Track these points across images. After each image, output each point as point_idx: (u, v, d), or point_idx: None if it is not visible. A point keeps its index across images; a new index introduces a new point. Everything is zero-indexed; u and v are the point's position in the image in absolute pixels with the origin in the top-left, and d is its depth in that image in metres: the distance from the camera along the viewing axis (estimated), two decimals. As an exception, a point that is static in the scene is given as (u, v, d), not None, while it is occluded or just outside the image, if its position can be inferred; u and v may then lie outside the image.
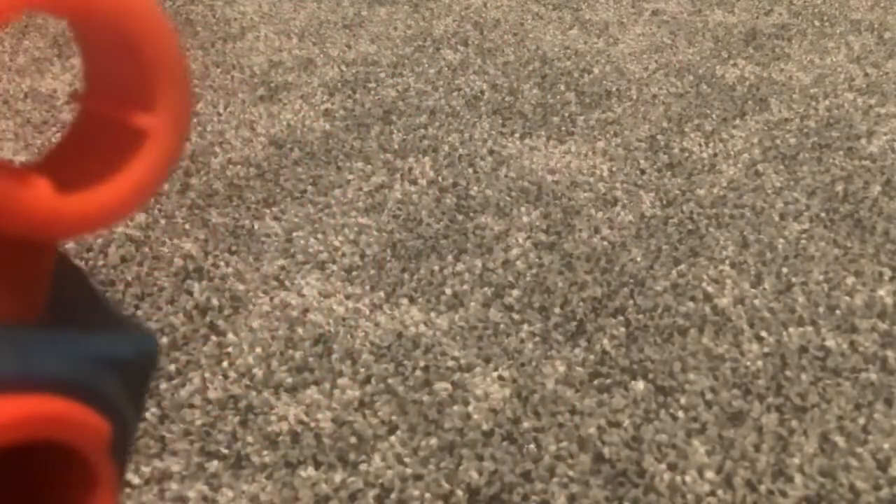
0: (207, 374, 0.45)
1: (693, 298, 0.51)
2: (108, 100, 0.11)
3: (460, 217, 0.59)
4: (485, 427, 0.42)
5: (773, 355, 0.46)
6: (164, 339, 0.48)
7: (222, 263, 0.55)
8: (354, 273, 0.53)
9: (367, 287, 0.52)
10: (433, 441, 0.41)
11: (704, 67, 0.81)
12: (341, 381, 0.44)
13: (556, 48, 0.86)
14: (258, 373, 0.44)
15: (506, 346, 0.47)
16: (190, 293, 0.51)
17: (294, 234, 0.57)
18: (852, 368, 0.46)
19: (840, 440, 0.41)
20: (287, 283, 0.53)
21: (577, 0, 0.98)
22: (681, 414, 0.43)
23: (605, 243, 0.56)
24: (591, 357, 0.47)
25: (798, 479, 0.39)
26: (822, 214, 0.59)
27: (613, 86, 0.78)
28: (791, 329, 0.48)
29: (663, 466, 0.40)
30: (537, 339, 0.48)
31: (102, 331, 0.14)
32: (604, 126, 0.71)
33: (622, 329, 0.48)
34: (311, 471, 0.39)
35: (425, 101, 0.75)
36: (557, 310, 0.50)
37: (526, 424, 0.42)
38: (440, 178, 0.63)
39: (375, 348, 0.46)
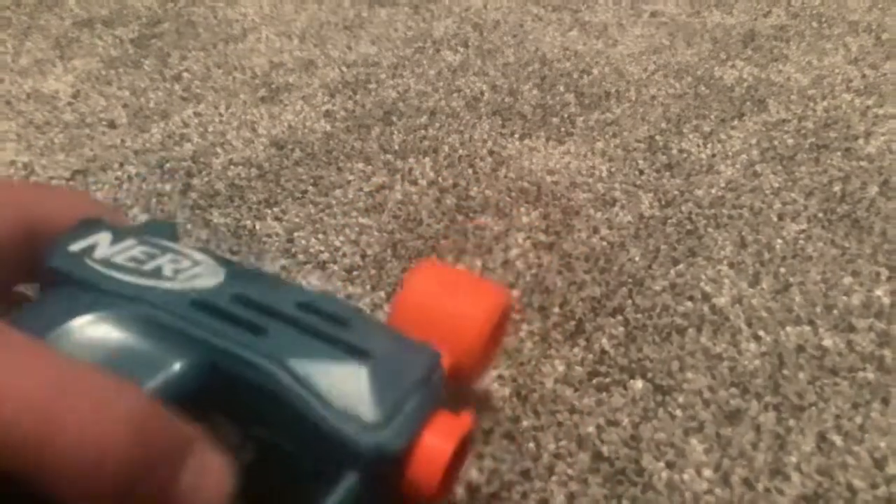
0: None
1: (691, 298, 0.51)
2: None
3: (460, 217, 0.59)
4: (484, 426, 0.42)
5: (771, 354, 0.47)
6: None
7: (224, 263, 0.55)
8: (355, 273, 0.54)
9: (368, 287, 0.53)
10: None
11: (703, 68, 0.82)
12: (342, 380, 0.44)
13: (555, 49, 0.86)
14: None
15: (505, 345, 0.47)
16: (192, 293, 0.51)
17: (295, 234, 0.58)
18: (849, 367, 0.46)
19: (837, 439, 0.42)
20: (288, 283, 0.53)
21: (577, 2, 0.99)
22: (679, 412, 0.43)
23: (604, 243, 0.56)
24: (590, 356, 0.47)
25: (795, 477, 0.40)
26: (820, 215, 0.59)
27: (612, 87, 0.78)
28: (788, 328, 0.49)
29: (661, 464, 0.40)
30: (536, 338, 0.48)
31: None
32: (603, 127, 0.71)
33: (621, 328, 0.49)
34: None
35: (425, 102, 0.76)
36: (556, 309, 0.50)
37: (525, 423, 0.43)
38: (440, 179, 0.64)
39: (376, 347, 0.47)
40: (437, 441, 0.31)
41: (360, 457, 0.29)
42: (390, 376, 0.31)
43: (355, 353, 0.31)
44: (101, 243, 0.33)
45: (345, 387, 0.30)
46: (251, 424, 0.30)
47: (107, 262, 0.32)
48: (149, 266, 0.32)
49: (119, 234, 0.34)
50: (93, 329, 0.29)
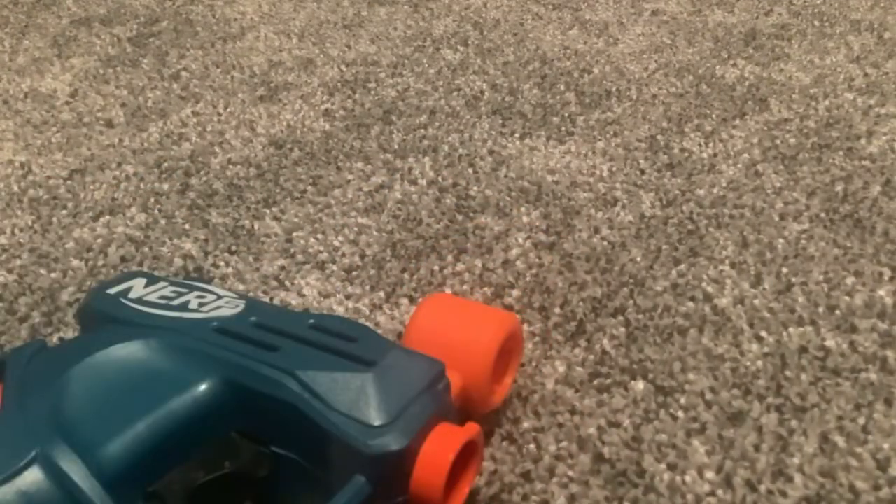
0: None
1: (693, 298, 0.51)
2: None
3: (460, 217, 0.59)
4: (485, 427, 0.42)
5: (773, 355, 0.46)
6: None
7: (222, 263, 0.55)
8: (354, 273, 0.53)
9: (367, 287, 0.52)
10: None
11: (704, 67, 0.81)
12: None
13: (555, 48, 0.86)
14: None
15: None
16: (190, 293, 0.51)
17: (294, 234, 0.57)
18: (852, 368, 0.46)
19: (840, 440, 0.41)
20: (287, 283, 0.53)
21: (577, 0, 0.98)
22: (681, 414, 0.43)
23: (605, 243, 0.56)
24: (591, 357, 0.47)
25: (798, 478, 0.39)
26: (822, 214, 0.59)
27: (613, 86, 0.78)
28: (791, 329, 0.48)
29: (663, 466, 0.40)
30: (537, 339, 0.48)
31: None
32: (604, 126, 0.71)
33: (622, 329, 0.48)
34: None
35: (425, 101, 0.75)
36: (557, 310, 0.50)
37: (526, 424, 0.42)
38: (440, 178, 0.63)
39: (375, 348, 0.46)
40: (440, 447, 0.31)
41: (364, 458, 0.30)
42: (394, 383, 0.32)
43: (361, 362, 0.33)
44: (136, 286, 0.38)
45: (350, 392, 0.31)
46: (268, 441, 0.32)
47: (140, 301, 0.36)
48: (177, 302, 0.36)
49: (153, 279, 0.39)
50: (127, 355, 0.32)
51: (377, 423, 0.31)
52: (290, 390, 0.31)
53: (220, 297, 0.37)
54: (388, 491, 0.31)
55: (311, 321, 0.36)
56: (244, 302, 0.37)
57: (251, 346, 0.33)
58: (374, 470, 0.30)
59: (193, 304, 0.36)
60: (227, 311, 0.36)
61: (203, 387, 0.32)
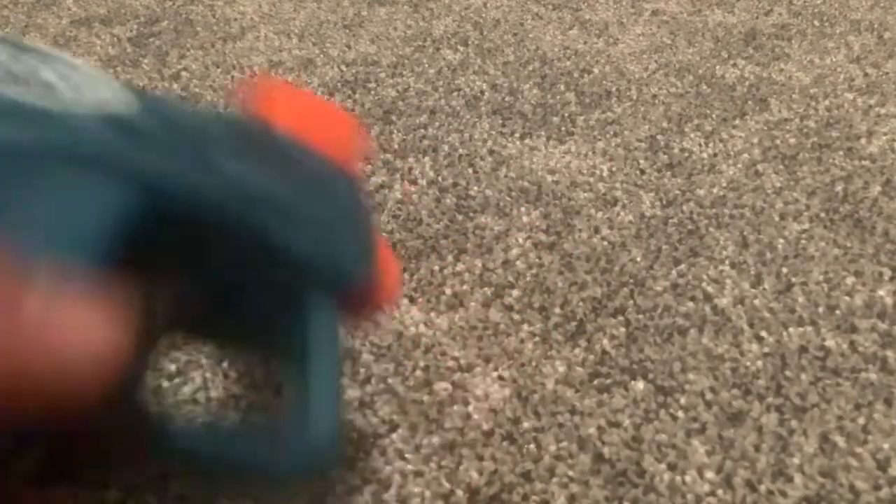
0: (208, 374, 0.45)
1: (693, 298, 0.51)
2: None
3: (460, 217, 0.59)
4: (485, 427, 0.42)
5: (773, 355, 0.46)
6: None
7: (222, 263, 0.55)
8: (354, 273, 0.53)
9: (368, 287, 0.52)
10: (434, 440, 0.41)
11: (704, 67, 0.81)
12: (341, 381, 0.44)
13: (555, 48, 0.86)
14: (259, 372, 0.44)
15: (506, 346, 0.47)
16: (190, 293, 0.51)
17: (294, 234, 0.57)
18: (852, 368, 0.46)
19: (840, 440, 0.41)
20: (287, 283, 0.53)
21: (577, 0, 0.98)
22: (681, 414, 0.43)
23: (605, 243, 0.56)
24: (591, 357, 0.47)
25: (798, 478, 0.39)
26: (822, 214, 0.59)
27: (613, 86, 0.78)
28: (791, 329, 0.48)
29: (663, 466, 0.40)
30: (537, 339, 0.48)
31: None
32: (604, 126, 0.71)
33: (622, 329, 0.48)
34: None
35: (425, 101, 0.75)
36: (557, 310, 0.50)
37: (526, 424, 0.42)
38: (440, 178, 0.63)
39: (375, 348, 0.46)
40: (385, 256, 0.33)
41: (340, 282, 0.29)
42: (347, 207, 0.31)
43: (306, 180, 0.30)
44: None
45: (311, 217, 0.29)
46: (202, 265, 0.26)
47: None
48: (28, 77, 0.23)
49: None
50: None
51: (343, 249, 0.29)
52: (248, 209, 0.26)
53: (75, 68, 0.25)
54: (350, 310, 0.32)
55: (230, 126, 0.29)
56: (124, 87, 0.26)
57: (176, 154, 0.25)
58: (342, 296, 0.30)
59: (61, 86, 0.23)
60: (106, 94, 0.24)
61: (119, 205, 0.22)
